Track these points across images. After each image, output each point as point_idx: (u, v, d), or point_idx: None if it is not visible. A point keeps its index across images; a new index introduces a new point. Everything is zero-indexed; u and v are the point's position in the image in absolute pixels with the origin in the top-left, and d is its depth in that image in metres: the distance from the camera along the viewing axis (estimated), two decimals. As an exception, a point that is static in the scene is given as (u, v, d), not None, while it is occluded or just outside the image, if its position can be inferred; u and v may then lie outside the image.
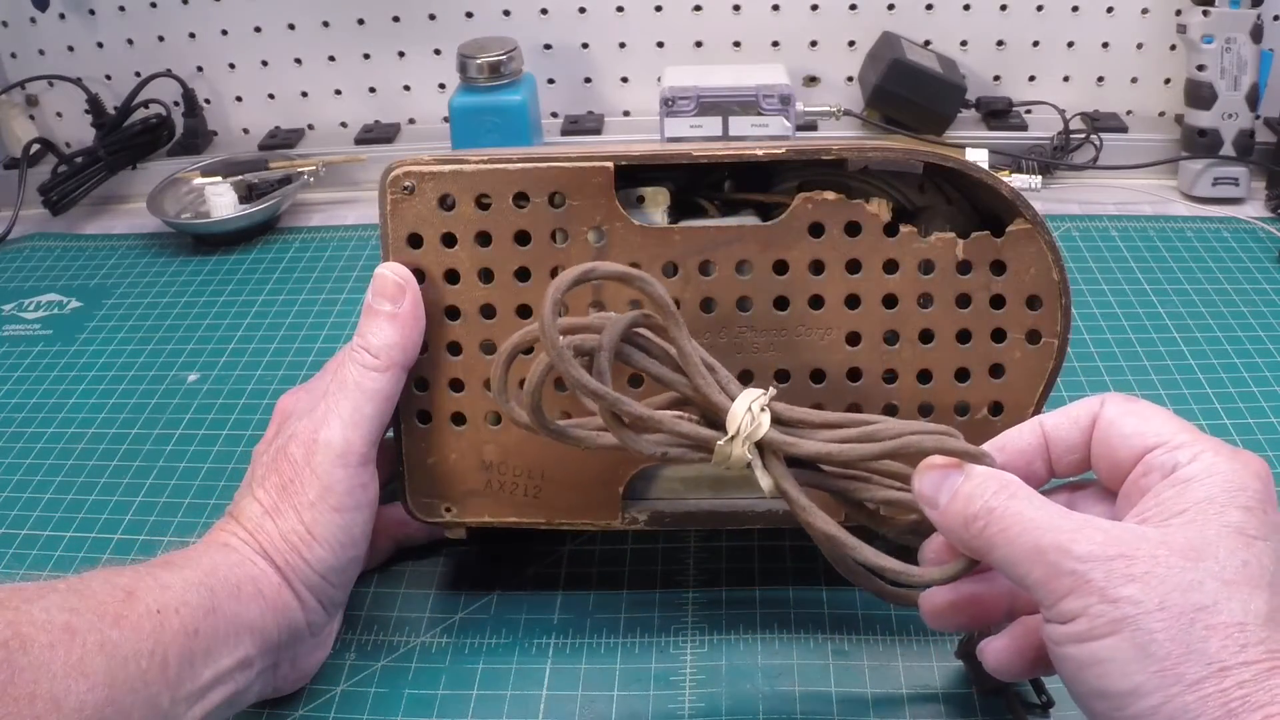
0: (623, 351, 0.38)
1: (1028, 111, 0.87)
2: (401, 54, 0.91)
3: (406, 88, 0.92)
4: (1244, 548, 0.31)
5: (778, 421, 0.38)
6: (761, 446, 0.38)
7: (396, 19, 0.89)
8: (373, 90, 0.92)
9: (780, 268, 0.44)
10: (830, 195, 0.44)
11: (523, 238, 0.44)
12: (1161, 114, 0.89)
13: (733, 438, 0.37)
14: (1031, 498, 0.34)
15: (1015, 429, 0.38)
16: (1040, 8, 0.86)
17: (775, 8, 0.87)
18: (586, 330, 0.38)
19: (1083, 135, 0.84)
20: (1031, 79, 0.89)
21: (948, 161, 0.44)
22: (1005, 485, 0.35)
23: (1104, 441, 0.35)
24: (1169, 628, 0.30)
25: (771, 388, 0.39)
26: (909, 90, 0.82)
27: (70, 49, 0.91)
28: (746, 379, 0.45)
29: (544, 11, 0.88)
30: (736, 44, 0.89)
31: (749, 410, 0.37)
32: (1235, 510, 0.32)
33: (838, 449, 0.37)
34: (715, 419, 0.38)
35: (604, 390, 0.37)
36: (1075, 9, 0.86)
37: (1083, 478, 0.39)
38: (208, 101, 0.93)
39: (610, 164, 0.44)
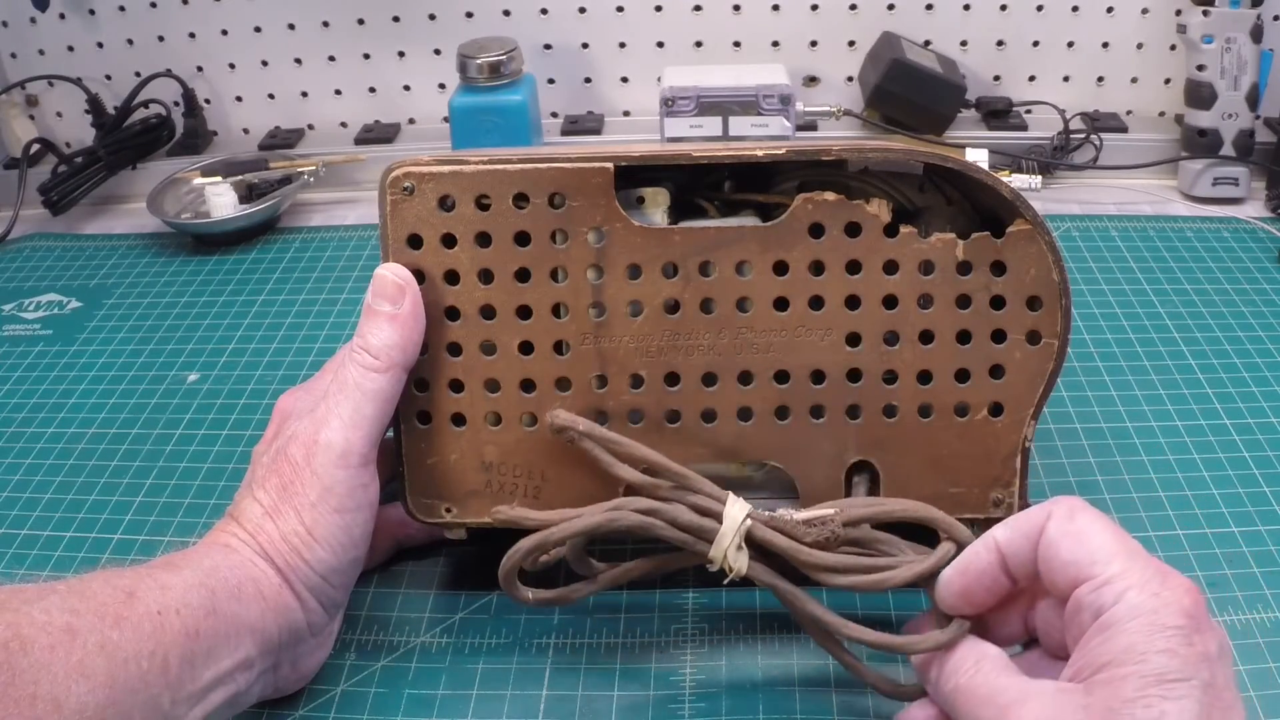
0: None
1: (1028, 111, 0.87)
2: (401, 54, 0.91)
3: (406, 88, 0.92)
4: (1162, 698, 0.31)
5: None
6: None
7: (396, 19, 0.89)
8: (373, 90, 0.92)
9: (780, 268, 0.44)
10: (830, 196, 0.44)
11: (523, 238, 0.44)
12: (1161, 114, 0.89)
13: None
14: (991, 671, 0.37)
15: (972, 549, 0.39)
16: (1040, 8, 0.86)
17: (775, 8, 0.87)
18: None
19: (1083, 135, 0.84)
20: (1031, 79, 0.89)
21: (948, 162, 0.44)
22: (978, 660, 0.37)
23: (1046, 564, 0.36)
24: None
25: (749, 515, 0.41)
26: (909, 90, 0.82)
27: (70, 49, 0.91)
28: (747, 380, 0.45)
29: (544, 11, 0.88)
30: (736, 44, 0.89)
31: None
32: (1155, 655, 0.32)
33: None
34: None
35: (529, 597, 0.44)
36: (1075, 9, 0.86)
37: None
38: (208, 101, 0.93)
39: (610, 164, 0.44)
